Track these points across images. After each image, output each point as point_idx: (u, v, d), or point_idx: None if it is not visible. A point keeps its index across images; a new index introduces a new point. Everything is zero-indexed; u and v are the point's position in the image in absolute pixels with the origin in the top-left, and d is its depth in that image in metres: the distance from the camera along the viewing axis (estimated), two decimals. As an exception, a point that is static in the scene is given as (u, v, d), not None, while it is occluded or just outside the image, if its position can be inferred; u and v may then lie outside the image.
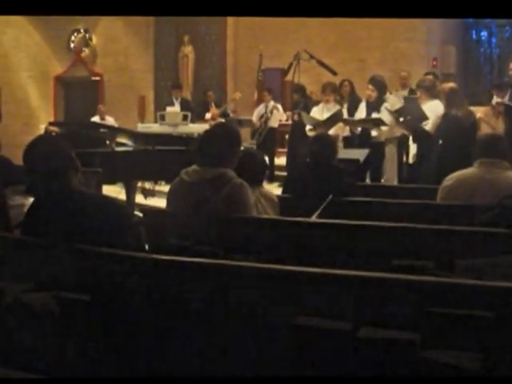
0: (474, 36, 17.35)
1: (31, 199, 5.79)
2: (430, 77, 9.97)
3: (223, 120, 12.94)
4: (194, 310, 2.90)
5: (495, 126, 9.34)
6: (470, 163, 5.16)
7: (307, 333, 2.52)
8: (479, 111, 9.34)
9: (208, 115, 13.91)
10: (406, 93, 10.37)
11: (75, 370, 3.07)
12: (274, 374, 2.70)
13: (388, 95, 9.93)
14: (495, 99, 10.10)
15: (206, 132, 4.53)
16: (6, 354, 3.33)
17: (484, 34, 17.30)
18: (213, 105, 14.30)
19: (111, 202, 3.63)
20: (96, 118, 14.45)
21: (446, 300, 2.50)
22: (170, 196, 4.41)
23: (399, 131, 9.29)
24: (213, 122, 12.46)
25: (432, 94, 8.57)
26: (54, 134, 11.33)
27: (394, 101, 9.67)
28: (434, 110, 8.27)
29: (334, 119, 9.68)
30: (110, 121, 14.38)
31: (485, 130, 8.83)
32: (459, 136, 7.47)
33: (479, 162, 5.03)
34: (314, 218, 4.56)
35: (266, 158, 11.52)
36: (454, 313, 2.44)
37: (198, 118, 13.88)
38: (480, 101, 12.10)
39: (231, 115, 14.15)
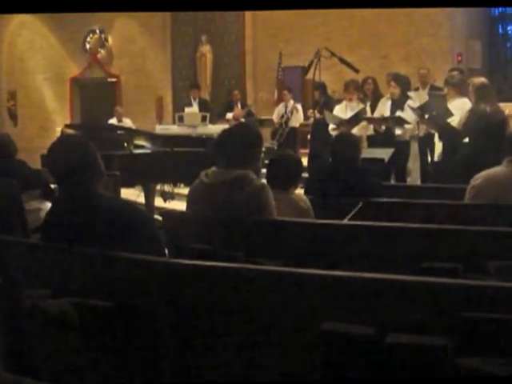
0: (500, 30, 17.25)
1: (48, 204, 5.84)
2: (455, 72, 9.91)
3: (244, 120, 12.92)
4: (216, 315, 2.88)
5: (524, 123, 9.25)
6: (499, 162, 5.11)
7: (333, 339, 2.49)
8: (507, 108, 9.26)
9: (229, 115, 13.87)
10: (426, 91, 10.27)
11: (94, 380, 3.06)
12: (300, 380, 2.68)
13: (411, 93, 9.88)
14: (523, 95, 10.02)
15: (224, 132, 4.48)
16: (23, 363, 3.33)
17: (511, 27, 17.19)
18: (239, 105, 14.23)
19: (132, 206, 3.61)
20: (113, 120, 14.45)
21: (477, 303, 2.46)
22: (189, 198, 4.39)
23: (424, 129, 9.24)
24: (234, 123, 12.44)
25: (460, 90, 8.50)
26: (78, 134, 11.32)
27: (417, 98, 9.62)
28: (461, 107, 8.18)
29: (358, 118, 9.64)
30: (127, 122, 14.38)
31: (513, 127, 8.75)
32: (487, 133, 7.38)
33: (508, 160, 4.97)
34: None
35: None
36: (487, 317, 2.41)
37: (220, 117, 13.84)
38: (507, 97, 12.01)
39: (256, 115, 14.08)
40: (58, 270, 3.27)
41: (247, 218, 4.05)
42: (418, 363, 2.31)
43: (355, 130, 9.46)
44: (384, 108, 9.70)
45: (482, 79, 8.01)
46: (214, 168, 4.23)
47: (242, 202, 4.04)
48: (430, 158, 9.48)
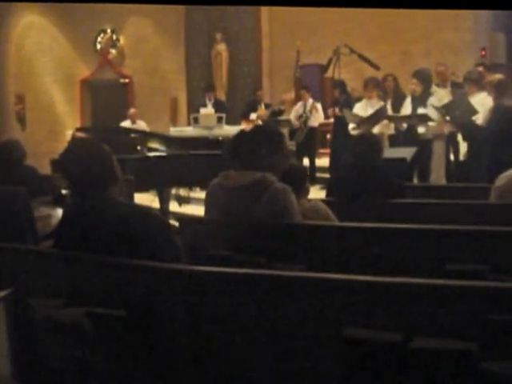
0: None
1: (58, 210, 5.88)
2: (480, 68, 9.90)
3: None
4: (236, 322, 2.89)
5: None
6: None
7: (356, 345, 2.50)
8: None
9: (253, 115, 13.84)
10: (448, 90, 10.20)
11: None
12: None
13: (435, 88, 9.83)
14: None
15: (239, 134, 4.48)
16: (36, 374, 3.35)
17: (536, 19, 17.09)
18: (262, 105, 14.20)
19: (147, 212, 3.61)
20: (127, 123, 14.47)
21: (505, 306, 2.46)
22: (208, 201, 4.36)
23: (448, 128, 9.22)
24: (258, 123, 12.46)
25: (480, 86, 8.52)
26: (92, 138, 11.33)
27: (441, 94, 9.59)
28: (482, 102, 8.22)
29: (378, 116, 9.63)
30: (141, 125, 14.39)
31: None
32: (510, 129, 7.38)
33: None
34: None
35: (306, 163, 11.63)
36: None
37: (244, 118, 13.81)
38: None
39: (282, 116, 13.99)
40: (70, 279, 3.29)
41: (268, 221, 4.04)
42: (444, 368, 2.31)
43: (376, 129, 9.46)
44: (406, 106, 9.68)
45: (498, 76, 8.07)
46: (233, 171, 4.22)
47: (262, 205, 4.03)
48: (453, 157, 9.45)
